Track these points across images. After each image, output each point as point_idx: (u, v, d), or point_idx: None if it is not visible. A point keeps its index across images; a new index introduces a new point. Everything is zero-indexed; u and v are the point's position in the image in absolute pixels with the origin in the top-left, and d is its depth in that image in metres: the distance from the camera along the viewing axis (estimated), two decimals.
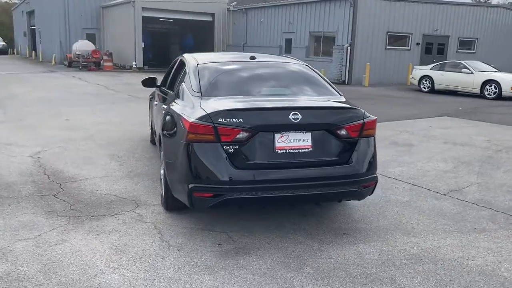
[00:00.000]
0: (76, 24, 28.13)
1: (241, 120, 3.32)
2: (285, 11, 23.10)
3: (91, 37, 28.35)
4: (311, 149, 3.48)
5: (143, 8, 24.40)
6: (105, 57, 24.22)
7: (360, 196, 3.72)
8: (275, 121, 3.41)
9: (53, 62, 27.69)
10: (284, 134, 3.41)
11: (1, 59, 32.12)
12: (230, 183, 3.30)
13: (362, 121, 3.62)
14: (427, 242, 3.67)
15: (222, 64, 4.39)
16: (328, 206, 4.36)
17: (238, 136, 3.30)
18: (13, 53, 42.89)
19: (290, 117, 3.38)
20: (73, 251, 3.32)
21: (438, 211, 4.36)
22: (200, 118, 3.34)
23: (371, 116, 3.74)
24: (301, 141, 3.46)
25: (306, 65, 4.60)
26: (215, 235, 3.67)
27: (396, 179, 5.37)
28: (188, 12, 25.74)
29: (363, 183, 3.64)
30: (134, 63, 24.49)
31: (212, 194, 3.32)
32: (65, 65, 25.68)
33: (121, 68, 25.53)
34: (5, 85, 15.00)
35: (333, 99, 3.95)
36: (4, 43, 44.53)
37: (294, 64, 4.58)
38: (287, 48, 23.10)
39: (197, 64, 4.28)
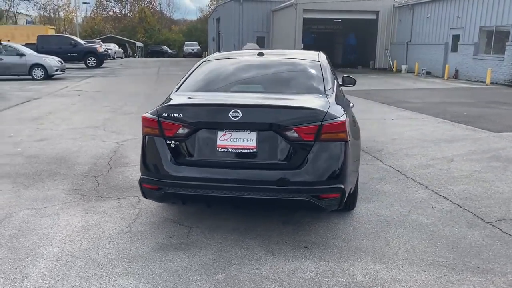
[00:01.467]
0: (248, 27, 30.44)
1: (181, 116, 3.31)
2: (454, 4, 20.77)
3: (261, 40, 30.37)
4: (255, 150, 3.25)
5: (305, 10, 24.97)
6: None
7: (316, 208, 3.29)
8: (215, 118, 3.29)
9: None
10: (227, 132, 3.27)
11: (185, 61, 36.89)
12: (169, 177, 3.33)
13: (319, 123, 3.19)
14: (389, 273, 3.04)
15: (220, 61, 4.40)
16: (322, 217, 3.95)
17: (179, 131, 3.30)
18: (203, 56, 48.79)
19: (229, 114, 3.21)
20: (52, 224, 3.81)
21: (455, 243, 3.53)
22: (151, 113, 3.45)
23: (338, 118, 3.27)
24: (245, 140, 3.25)
25: (317, 62, 4.21)
26: (177, 229, 3.72)
27: (441, 196, 4.49)
28: (351, 11, 25.33)
29: (317, 192, 3.22)
30: None
31: (156, 187, 3.40)
32: None
33: None
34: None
35: (303, 99, 3.55)
36: (199, 47, 51.05)
37: (299, 62, 4.26)
38: (454, 45, 20.77)
39: (202, 61, 4.37)
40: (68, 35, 28.21)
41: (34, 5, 68.10)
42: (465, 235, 3.64)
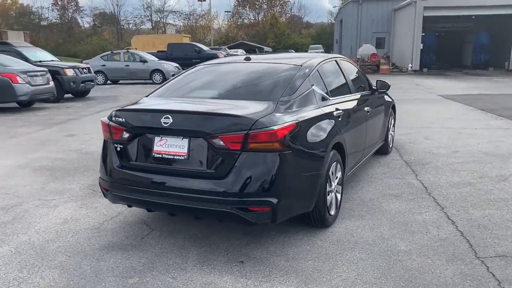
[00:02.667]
0: (367, 28, 29.38)
1: (124, 120, 3.40)
2: None
3: (380, 41, 29.06)
4: (186, 157, 3.18)
5: (426, 8, 23.18)
6: (382, 60, 24.43)
7: (242, 220, 3.08)
8: (150, 124, 3.30)
9: None
10: (163, 138, 3.27)
11: None
12: (115, 180, 3.46)
13: (245, 132, 3.00)
14: None
15: (207, 67, 4.41)
16: (288, 232, 3.69)
17: (122, 135, 3.41)
18: None
19: (161, 120, 3.20)
20: (44, 214, 4.23)
21: (413, 278, 3.00)
22: (107, 117, 3.62)
23: (269, 127, 3.02)
24: (177, 147, 3.21)
25: (298, 67, 3.94)
26: (139, 230, 3.82)
27: (451, 220, 3.82)
28: (485, 6, 22.76)
29: (244, 205, 3.03)
30: (410, 65, 23.68)
31: (107, 188, 3.56)
32: None
33: (398, 71, 25.12)
34: None
35: (242, 105, 3.34)
36: (323, 50, 50.79)
37: (278, 67, 4.02)
38: None
39: (194, 67, 4.44)
40: (193, 43, 30.45)
41: (179, 15, 75.05)
42: (435, 269, 3.06)
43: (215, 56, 28.22)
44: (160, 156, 3.27)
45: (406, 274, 3.01)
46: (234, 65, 4.36)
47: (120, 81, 21.40)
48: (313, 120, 3.50)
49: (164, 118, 3.20)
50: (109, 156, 3.53)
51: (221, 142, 3.04)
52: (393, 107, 6.44)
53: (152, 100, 3.83)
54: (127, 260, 3.30)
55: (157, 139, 3.29)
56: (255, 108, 3.25)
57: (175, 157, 3.22)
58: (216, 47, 39.00)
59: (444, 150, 6.48)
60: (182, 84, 4.07)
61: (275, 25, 66.61)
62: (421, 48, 23.46)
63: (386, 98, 6.11)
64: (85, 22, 77.39)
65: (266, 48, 59.41)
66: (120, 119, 3.43)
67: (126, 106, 3.65)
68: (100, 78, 19.98)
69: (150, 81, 19.96)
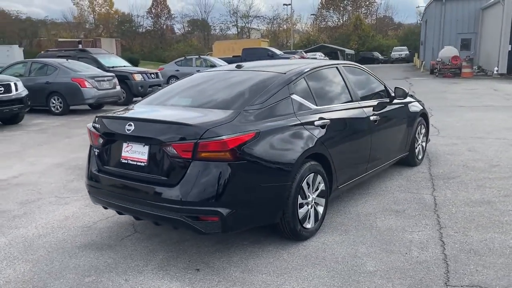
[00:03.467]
0: (451, 29, 27.57)
1: (99, 126, 3.59)
2: None
3: (466, 42, 27.13)
4: (145, 163, 3.28)
5: None
6: (464, 63, 22.74)
7: (192, 229, 3.09)
8: (117, 130, 3.43)
9: (421, 70, 28.35)
10: (129, 144, 3.39)
11: (386, 67, 35.53)
12: (93, 183, 3.66)
13: (195, 141, 3.01)
14: None
15: (199, 74, 4.50)
16: (261, 242, 3.63)
17: (98, 140, 3.59)
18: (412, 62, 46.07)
19: (126, 127, 3.33)
20: (51, 211, 4.58)
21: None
22: (92, 123, 3.83)
23: (220, 137, 3.00)
24: (139, 153, 3.32)
25: (281, 75, 3.85)
26: (124, 231, 4.00)
27: (442, 241, 3.48)
28: None
29: (193, 213, 3.05)
30: (495, 68, 21.78)
31: (88, 190, 3.78)
32: (428, 72, 25.85)
33: (483, 74, 23.21)
34: None
35: (201, 114, 3.37)
36: (408, 52, 48.51)
37: (261, 75, 3.94)
38: None
39: (190, 73, 4.55)
40: (267, 48, 30.75)
41: (263, 20, 76.26)
42: None
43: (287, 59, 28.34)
44: (126, 161, 3.41)
45: None
46: (223, 73, 4.38)
47: None
48: (281, 129, 3.41)
49: (127, 125, 3.34)
50: (90, 160, 3.75)
51: (174, 150, 3.09)
52: (424, 115, 6.01)
53: (137, 106, 3.99)
54: (95, 259, 3.48)
55: (124, 145, 3.43)
56: (214, 117, 3.25)
57: (137, 163, 3.34)
58: (292, 51, 38.99)
59: (482, 164, 5.90)
60: (170, 91, 4.17)
61: (359, 27, 64.97)
62: (510, 49, 21.43)
63: (414, 106, 5.72)
64: (176, 28, 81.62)
65: (347, 51, 58.21)
66: (97, 125, 3.63)
67: (106, 113, 3.85)
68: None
69: None
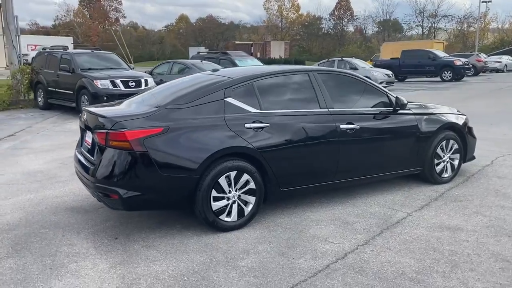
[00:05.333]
0: None
1: (80, 115, 4.54)
2: None
3: None
4: (90, 147, 4.08)
5: None
6: None
7: (105, 203, 3.79)
8: (83, 119, 4.31)
9: None
10: (87, 131, 4.25)
11: None
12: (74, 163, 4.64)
13: (107, 131, 3.67)
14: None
15: (183, 76, 5.06)
16: (194, 230, 4.10)
17: (80, 127, 4.55)
18: None
19: (84, 117, 4.20)
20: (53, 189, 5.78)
21: None
22: None
23: (123, 129, 3.60)
24: (90, 138, 4.14)
25: (219, 78, 4.32)
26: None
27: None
28: None
29: (100, 190, 3.74)
30: None
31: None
32: None
33: None
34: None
35: (133, 109, 4.06)
36: None
37: (212, 78, 4.37)
38: None
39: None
40: (429, 50, 28.44)
41: (451, 19, 70.13)
42: (213, 279, 3.05)
43: (451, 64, 25.96)
44: (86, 145, 4.28)
45: (201, 284, 3.13)
46: (194, 76, 4.89)
47: None
48: (198, 128, 3.81)
49: (84, 116, 4.22)
50: (77, 144, 4.73)
51: (97, 137, 3.83)
52: (455, 129, 5.40)
53: (118, 102, 4.78)
54: (67, 218, 4.45)
55: (88, 132, 4.30)
56: (135, 112, 3.89)
57: (88, 146, 4.18)
58: (459, 53, 35.24)
59: None
60: (151, 92, 4.84)
61: None
62: None
63: (435, 118, 5.24)
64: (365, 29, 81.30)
65: None
66: (80, 115, 4.60)
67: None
68: None
69: None
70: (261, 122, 4.08)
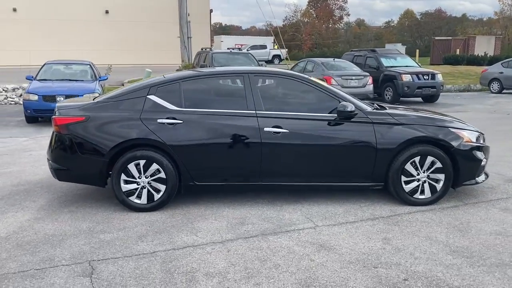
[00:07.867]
0: None
1: None
2: None
3: None
4: None
5: None
6: None
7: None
8: None
9: None
10: None
11: None
12: None
13: (52, 116, 4.66)
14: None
15: None
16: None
17: None
18: None
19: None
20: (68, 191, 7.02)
21: None
22: None
23: (56, 116, 4.52)
24: None
25: (159, 78, 4.76)
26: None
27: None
28: None
29: (48, 163, 4.77)
30: None
31: None
32: None
33: None
34: None
35: (85, 101, 4.81)
36: None
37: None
38: None
39: None
40: None
41: None
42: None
43: None
44: None
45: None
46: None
47: None
48: (113, 119, 4.48)
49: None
50: None
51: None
52: (439, 145, 4.56)
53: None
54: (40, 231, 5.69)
55: None
56: (79, 104, 4.78)
57: None
58: None
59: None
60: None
61: None
62: None
63: (405, 129, 4.56)
64: None
65: None
66: None
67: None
68: (495, 86, 18.66)
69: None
70: (175, 119, 4.47)
